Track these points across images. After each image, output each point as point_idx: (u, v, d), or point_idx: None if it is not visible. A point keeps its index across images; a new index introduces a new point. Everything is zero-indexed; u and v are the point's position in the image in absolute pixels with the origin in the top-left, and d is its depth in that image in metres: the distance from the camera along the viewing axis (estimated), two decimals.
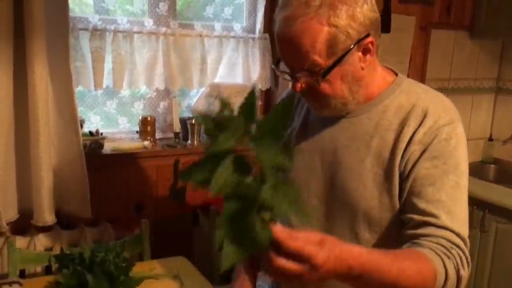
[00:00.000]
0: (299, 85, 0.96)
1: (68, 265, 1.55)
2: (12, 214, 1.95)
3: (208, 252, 2.18)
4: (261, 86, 2.49)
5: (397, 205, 0.97)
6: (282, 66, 1.00)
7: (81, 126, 2.05)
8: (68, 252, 1.59)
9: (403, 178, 0.95)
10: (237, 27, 2.47)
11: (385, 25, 2.29)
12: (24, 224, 2.02)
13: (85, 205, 2.00)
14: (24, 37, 1.81)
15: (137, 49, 2.18)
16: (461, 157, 0.96)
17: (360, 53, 0.95)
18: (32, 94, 1.84)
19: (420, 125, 0.96)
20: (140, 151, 2.21)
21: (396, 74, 1.06)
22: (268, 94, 2.60)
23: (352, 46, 0.92)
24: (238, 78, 2.46)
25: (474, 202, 2.28)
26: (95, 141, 2.11)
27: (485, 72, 2.93)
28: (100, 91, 2.22)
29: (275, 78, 2.50)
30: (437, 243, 0.89)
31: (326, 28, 0.90)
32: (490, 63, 2.93)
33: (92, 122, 2.28)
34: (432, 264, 0.85)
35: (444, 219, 0.91)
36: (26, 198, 1.97)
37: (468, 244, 0.93)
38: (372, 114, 1.01)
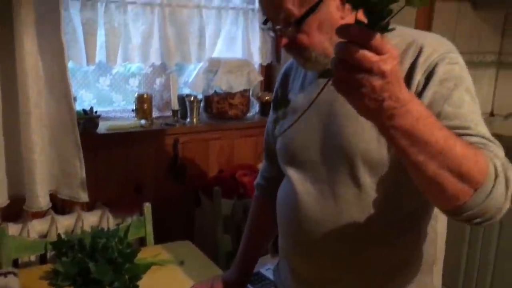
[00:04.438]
0: (283, 40, 0.95)
1: (67, 253, 1.45)
2: (2, 199, 1.82)
3: (211, 233, 2.08)
4: (262, 61, 2.37)
5: None
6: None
7: None
8: (66, 238, 1.49)
9: None
10: None
11: None
12: (15, 211, 1.90)
13: (82, 188, 1.88)
14: (11, 6, 1.66)
15: (131, 21, 2.04)
16: (470, 81, 0.93)
17: (337, 2, 0.92)
18: (21, 71, 1.70)
19: (416, 57, 0.91)
20: (137, 130, 2.09)
21: None
22: (269, 69, 2.49)
23: None
24: (237, 53, 2.34)
25: None
26: (89, 120, 1.98)
27: (487, 46, 2.85)
28: (92, 67, 2.08)
29: (276, 52, 2.39)
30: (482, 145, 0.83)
31: None
32: (493, 36, 2.85)
33: (84, 100, 2.14)
34: (484, 155, 0.78)
35: (479, 130, 0.87)
36: (17, 182, 1.84)
37: None
38: None
